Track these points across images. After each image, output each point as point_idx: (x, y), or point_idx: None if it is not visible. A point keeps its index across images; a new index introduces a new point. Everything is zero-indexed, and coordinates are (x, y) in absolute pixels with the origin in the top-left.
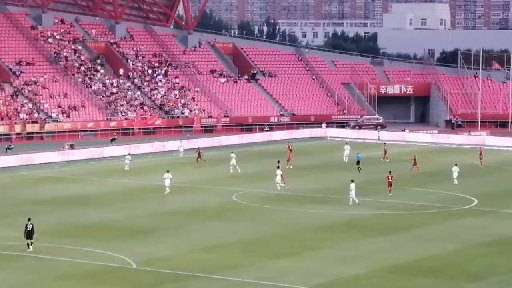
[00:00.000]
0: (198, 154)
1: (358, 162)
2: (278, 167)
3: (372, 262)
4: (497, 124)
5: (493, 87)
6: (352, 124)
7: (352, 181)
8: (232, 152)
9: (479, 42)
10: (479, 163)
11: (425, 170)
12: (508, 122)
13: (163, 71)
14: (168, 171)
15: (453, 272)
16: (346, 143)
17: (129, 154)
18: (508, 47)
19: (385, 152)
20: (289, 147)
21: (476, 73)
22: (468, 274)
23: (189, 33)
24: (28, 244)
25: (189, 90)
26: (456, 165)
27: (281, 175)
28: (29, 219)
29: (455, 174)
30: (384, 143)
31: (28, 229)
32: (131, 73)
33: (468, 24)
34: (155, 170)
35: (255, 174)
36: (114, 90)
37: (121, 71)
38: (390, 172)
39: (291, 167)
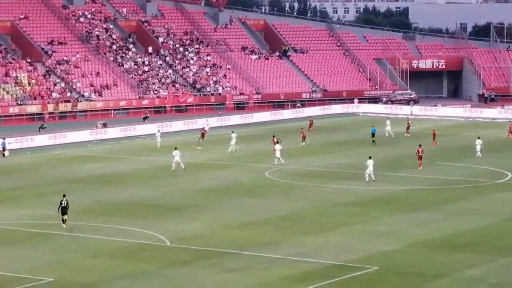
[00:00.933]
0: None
1: (373, 135)
2: (277, 142)
3: (406, 238)
4: None
5: None
6: (384, 99)
7: (370, 157)
8: (232, 132)
9: None
10: (507, 136)
11: (458, 145)
12: None
13: (194, 49)
14: (176, 148)
15: (488, 247)
16: (388, 118)
17: (159, 130)
18: None
19: (408, 127)
20: (311, 123)
21: (509, 46)
22: (504, 248)
23: (220, 10)
24: (63, 219)
25: (221, 67)
26: (479, 138)
27: (280, 150)
28: (64, 195)
29: (478, 147)
30: (407, 117)
31: (63, 205)
32: (163, 51)
33: None
34: (188, 147)
35: (287, 150)
36: (146, 68)
37: (149, 49)
38: (420, 145)
39: (306, 143)
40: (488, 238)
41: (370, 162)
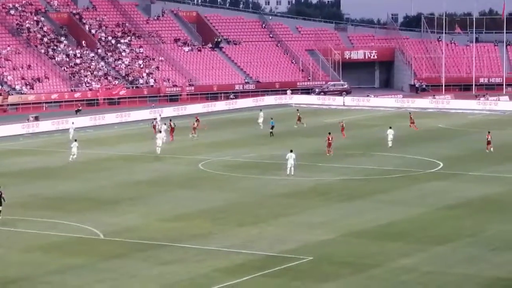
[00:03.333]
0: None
1: (272, 127)
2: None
3: (340, 228)
4: (461, 87)
5: (457, 51)
6: (317, 90)
7: (291, 150)
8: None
9: (442, 6)
10: (414, 127)
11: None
12: (472, 85)
13: (126, 41)
14: (75, 140)
15: (421, 236)
16: (261, 110)
17: (73, 123)
18: (471, 10)
19: (298, 118)
20: (197, 119)
21: (439, 37)
22: (435, 237)
23: (152, 2)
24: None
25: (153, 59)
26: (390, 127)
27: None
28: None
29: (389, 137)
30: (297, 109)
31: None
32: (95, 43)
33: None
34: (121, 140)
35: (221, 142)
36: (78, 61)
37: (82, 41)
38: (329, 133)
39: (195, 136)
40: (420, 227)
41: (290, 155)
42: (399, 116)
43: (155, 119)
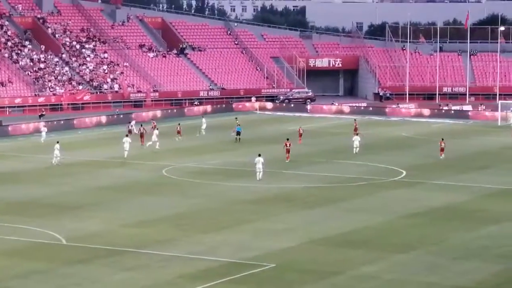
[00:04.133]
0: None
1: (238, 133)
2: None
3: (303, 235)
4: (425, 96)
5: (421, 60)
6: (281, 97)
7: (259, 155)
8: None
9: (407, 15)
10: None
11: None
12: (435, 94)
13: (91, 46)
14: (57, 142)
15: (383, 243)
16: (203, 117)
17: (44, 126)
18: (435, 20)
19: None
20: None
21: (404, 46)
22: (398, 245)
23: (117, 7)
24: None
25: (118, 65)
26: (357, 134)
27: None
28: None
29: (355, 143)
30: (235, 117)
31: None
32: (59, 48)
33: None
34: (84, 145)
35: (185, 148)
36: (42, 65)
37: (42, 47)
38: (288, 139)
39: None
40: (382, 235)
41: (258, 160)
42: (363, 124)
43: (129, 122)
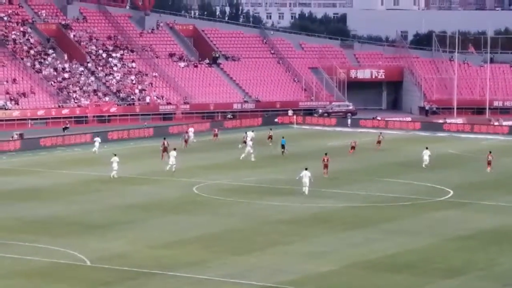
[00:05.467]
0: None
1: (283, 146)
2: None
3: (343, 258)
4: (474, 111)
5: (470, 72)
6: (320, 111)
7: (306, 168)
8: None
9: (455, 24)
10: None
11: (398, 160)
12: (485, 108)
13: (118, 55)
14: (115, 155)
15: (429, 268)
16: (427, 148)
17: (98, 136)
18: (485, 29)
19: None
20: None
21: (451, 56)
22: (444, 269)
23: (146, 14)
24: None
25: (147, 75)
26: (427, 148)
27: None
28: None
29: (425, 158)
30: (270, 128)
31: None
32: (84, 57)
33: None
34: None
35: (218, 164)
36: (66, 75)
37: (67, 55)
38: (326, 154)
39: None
40: (427, 259)
41: (304, 174)
42: (409, 140)
43: (186, 132)
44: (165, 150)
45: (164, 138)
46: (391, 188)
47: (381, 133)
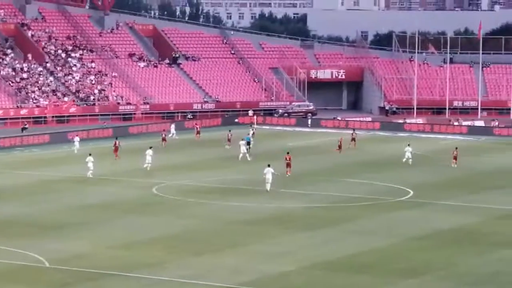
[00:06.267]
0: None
1: (248, 143)
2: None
3: (302, 258)
4: (434, 111)
5: (430, 72)
6: (280, 111)
7: (268, 165)
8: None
9: (415, 24)
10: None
11: (358, 160)
12: (445, 108)
13: (77, 55)
14: (90, 154)
15: (388, 268)
16: (408, 144)
17: (77, 135)
18: (445, 29)
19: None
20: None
21: (411, 56)
22: (404, 270)
23: (106, 14)
24: None
25: (106, 75)
26: (409, 145)
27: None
28: None
29: (407, 154)
30: (229, 129)
31: None
32: (43, 57)
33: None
34: (70, 160)
35: (178, 164)
36: (25, 75)
37: (25, 55)
38: (288, 153)
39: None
40: (387, 259)
41: (268, 170)
42: (368, 140)
43: (164, 130)
44: (117, 150)
45: (116, 138)
46: (351, 188)
47: (354, 130)
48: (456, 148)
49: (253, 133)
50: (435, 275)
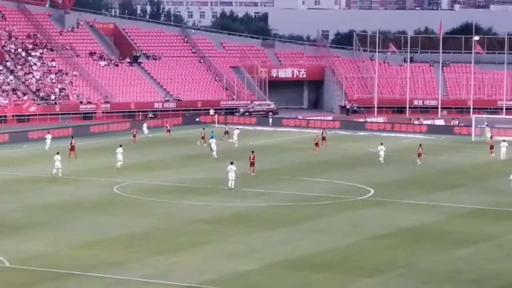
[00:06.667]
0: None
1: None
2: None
3: (263, 257)
4: (394, 110)
5: (390, 71)
6: (241, 110)
7: (231, 163)
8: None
9: (376, 23)
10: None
11: (319, 159)
12: (405, 107)
13: (38, 54)
14: (58, 153)
15: (350, 267)
16: (381, 144)
17: (49, 133)
18: (406, 28)
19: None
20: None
21: (372, 55)
22: (365, 268)
23: (66, 12)
24: None
25: (67, 74)
26: (382, 144)
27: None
28: None
29: (381, 153)
30: (203, 128)
31: None
32: (3, 56)
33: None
34: (31, 160)
35: (139, 164)
36: None
37: None
38: (252, 152)
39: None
40: (348, 258)
41: (230, 168)
42: (329, 139)
43: (133, 128)
44: (73, 149)
45: (72, 137)
46: (312, 187)
47: (324, 129)
48: (420, 145)
49: (226, 131)
50: (396, 273)
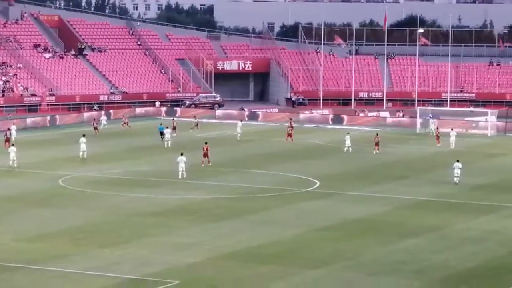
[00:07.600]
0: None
1: (161, 133)
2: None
3: (209, 249)
4: (340, 102)
5: (335, 63)
6: (187, 102)
7: (181, 153)
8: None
9: (321, 15)
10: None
11: (265, 151)
12: (351, 99)
13: None
14: (13, 145)
15: (296, 258)
16: (348, 133)
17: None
18: (351, 21)
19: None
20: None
21: (317, 48)
22: (311, 260)
23: (10, 4)
24: None
25: (11, 66)
26: (348, 133)
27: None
28: None
29: (347, 143)
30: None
31: None
32: None
33: None
34: None
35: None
36: None
37: None
38: (206, 143)
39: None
40: (294, 249)
41: (180, 159)
42: (275, 131)
43: (94, 119)
44: (8, 140)
45: (8, 129)
46: (258, 179)
47: (291, 119)
48: (377, 134)
49: (197, 124)
50: (341, 264)
